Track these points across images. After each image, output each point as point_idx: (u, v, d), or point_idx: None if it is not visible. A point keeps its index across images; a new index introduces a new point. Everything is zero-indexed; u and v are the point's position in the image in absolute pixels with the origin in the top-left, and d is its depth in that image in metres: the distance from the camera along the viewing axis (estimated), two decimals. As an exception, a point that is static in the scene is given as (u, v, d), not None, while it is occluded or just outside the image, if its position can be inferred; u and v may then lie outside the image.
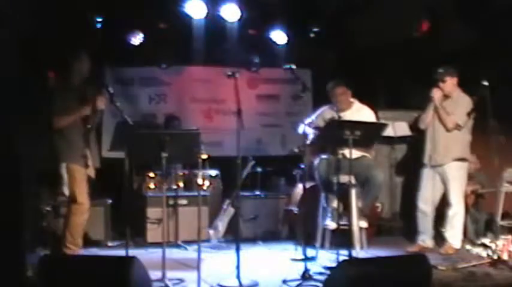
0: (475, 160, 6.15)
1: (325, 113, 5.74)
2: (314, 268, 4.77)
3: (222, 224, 6.11)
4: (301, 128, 5.35)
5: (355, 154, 5.13)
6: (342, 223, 5.16)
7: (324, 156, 5.61)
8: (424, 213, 5.62)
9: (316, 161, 5.65)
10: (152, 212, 6.10)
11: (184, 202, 6.21)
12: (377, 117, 5.97)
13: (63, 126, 4.84)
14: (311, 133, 5.39)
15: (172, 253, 5.41)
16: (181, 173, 6.43)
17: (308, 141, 5.29)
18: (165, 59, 7.37)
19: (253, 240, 6.21)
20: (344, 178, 5.09)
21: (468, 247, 5.64)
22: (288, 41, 7.21)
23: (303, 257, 4.77)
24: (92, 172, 5.03)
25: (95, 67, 5.22)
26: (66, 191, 4.91)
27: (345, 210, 5.43)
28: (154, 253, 5.20)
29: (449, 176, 5.50)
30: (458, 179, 5.51)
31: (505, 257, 4.92)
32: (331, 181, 5.45)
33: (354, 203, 5.40)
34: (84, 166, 4.89)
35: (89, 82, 5.05)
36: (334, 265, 4.54)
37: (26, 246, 4.10)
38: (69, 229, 4.91)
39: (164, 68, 7.45)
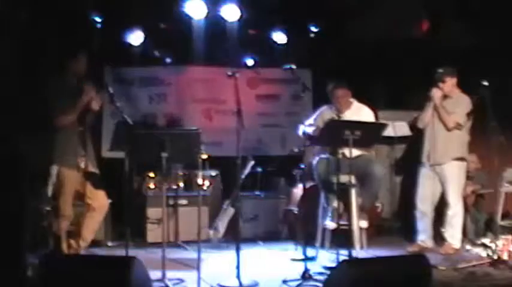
0: (475, 159, 6.15)
1: (325, 113, 5.73)
2: (314, 268, 4.76)
3: (222, 224, 6.11)
4: (300, 130, 5.35)
5: (355, 153, 5.13)
6: (342, 222, 5.16)
7: (323, 156, 5.61)
8: (422, 213, 5.62)
9: (314, 161, 5.64)
10: (152, 212, 6.11)
11: (184, 202, 6.21)
12: (377, 117, 5.97)
13: (65, 125, 4.80)
14: (310, 133, 5.39)
15: (172, 253, 5.41)
16: (181, 173, 6.43)
17: (308, 142, 5.29)
18: (166, 57, 7.39)
19: (253, 240, 6.21)
20: (344, 178, 5.09)
21: (468, 247, 5.64)
22: (288, 41, 7.21)
23: (303, 257, 4.77)
24: (94, 169, 4.99)
25: (94, 67, 5.20)
26: (50, 192, 4.87)
27: (345, 210, 5.43)
28: (154, 253, 5.20)
29: (447, 176, 5.50)
30: (457, 179, 5.51)
31: (505, 257, 4.93)
32: (330, 181, 5.45)
33: (354, 203, 5.40)
34: (76, 168, 4.85)
35: (86, 80, 5.02)
36: (334, 265, 4.54)
37: (26, 246, 4.10)
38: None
39: (169, 64, 7.45)
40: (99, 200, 4.95)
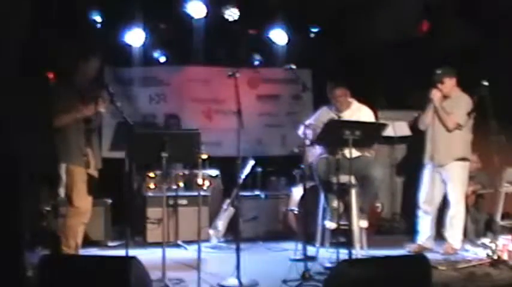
0: (476, 159, 6.15)
1: (324, 114, 5.72)
2: (314, 268, 4.76)
3: (222, 224, 6.11)
4: (300, 131, 5.35)
5: (355, 153, 5.13)
6: (342, 222, 5.16)
7: (322, 155, 5.61)
8: (425, 213, 5.61)
9: (314, 161, 5.64)
10: (152, 212, 6.11)
11: (184, 202, 6.21)
12: (377, 117, 5.97)
13: (64, 124, 4.81)
14: (310, 134, 5.39)
15: (172, 253, 5.41)
16: (181, 173, 6.43)
17: (308, 142, 5.28)
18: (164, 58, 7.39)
19: (253, 240, 6.21)
20: (344, 178, 5.09)
21: (468, 247, 5.64)
22: (288, 41, 7.20)
23: (303, 257, 4.77)
24: (94, 172, 5.01)
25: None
26: (62, 193, 4.88)
27: (345, 210, 5.43)
28: (154, 253, 5.20)
29: (450, 176, 5.50)
30: (459, 179, 5.51)
31: (505, 257, 4.93)
32: (330, 181, 5.45)
33: (354, 203, 5.40)
34: (84, 166, 4.87)
35: (92, 83, 5.04)
36: (334, 265, 4.54)
37: (26, 246, 4.10)
38: (63, 230, 4.90)
39: (161, 65, 7.45)
40: (83, 202, 4.93)
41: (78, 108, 4.84)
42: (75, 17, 6.32)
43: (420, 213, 5.65)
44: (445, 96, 5.52)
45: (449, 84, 5.50)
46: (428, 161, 5.61)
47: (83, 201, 4.87)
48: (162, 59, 7.43)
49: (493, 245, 5.02)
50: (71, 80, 5.00)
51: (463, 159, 5.51)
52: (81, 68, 4.97)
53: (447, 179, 5.52)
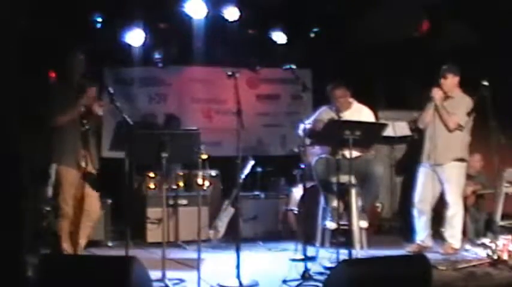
0: (479, 158, 6.16)
1: (324, 114, 5.71)
2: (314, 268, 4.77)
3: (222, 224, 6.11)
4: (300, 129, 5.34)
5: (354, 154, 5.12)
6: (342, 222, 5.15)
7: (321, 155, 5.60)
8: (420, 212, 5.61)
9: (313, 161, 5.63)
10: (152, 212, 6.11)
11: (184, 202, 6.22)
12: (377, 117, 5.96)
13: (61, 124, 4.79)
14: (311, 127, 5.39)
15: (172, 253, 5.41)
16: (181, 173, 6.43)
17: (308, 142, 5.28)
18: (163, 59, 7.38)
19: (253, 240, 6.21)
20: (344, 178, 5.09)
21: (468, 247, 5.64)
22: (288, 41, 7.20)
23: (303, 257, 4.77)
24: (92, 170, 5.00)
25: (94, 67, 5.20)
26: (50, 192, 4.87)
27: (345, 210, 5.42)
28: (154, 253, 5.20)
29: (447, 176, 5.50)
30: (457, 179, 5.51)
31: (505, 257, 4.93)
32: (329, 181, 5.44)
33: (354, 203, 5.40)
34: (76, 167, 4.85)
35: (88, 81, 5.02)
36: (334, 265, 4.54)
37: (26, 246, 4.09)
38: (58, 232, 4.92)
39: (160, 67, 7.45)
40: (93, 205, 4.96)
41: (74, 106, 4.80)
42: (76, 17, 6.32)
43: (416, 212, 5.65)
44: (447, 96, 5.51)
45: (451, 81, 5.49)
46: (425, 160, 5.60)
47: (67, 203, 4.85)
48: (160, 65, 7.42)
49: (493, 245, 5.02)
50: (65, 79, 5.00)
51: (461, 159, 5.51)
52: (70, 67, 4.96)
53: (444, 179, 5.52)
